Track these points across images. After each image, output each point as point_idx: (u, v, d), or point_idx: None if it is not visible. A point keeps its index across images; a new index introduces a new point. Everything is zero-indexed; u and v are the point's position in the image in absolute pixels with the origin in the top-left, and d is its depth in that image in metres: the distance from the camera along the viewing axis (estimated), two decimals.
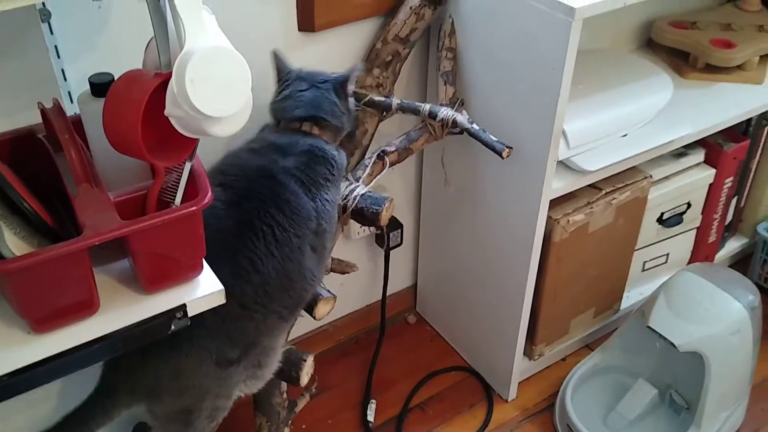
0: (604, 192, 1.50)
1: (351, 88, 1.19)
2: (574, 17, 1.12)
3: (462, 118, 1.32)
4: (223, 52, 0.78)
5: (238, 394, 1.10)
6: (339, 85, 1.17)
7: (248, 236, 1.01)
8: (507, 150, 1.27)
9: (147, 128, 0.78)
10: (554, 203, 1.40)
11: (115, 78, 0.83)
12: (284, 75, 1.18)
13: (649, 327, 1.48)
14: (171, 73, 0.76)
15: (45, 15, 1.00)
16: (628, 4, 1.18)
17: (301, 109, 1.14)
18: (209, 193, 0.86)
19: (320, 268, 1.13)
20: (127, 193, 0.87)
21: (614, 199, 1.51)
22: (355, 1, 1.31)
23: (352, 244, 1.66)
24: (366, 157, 1.35)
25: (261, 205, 1.03)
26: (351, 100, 1.20)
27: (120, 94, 0.80)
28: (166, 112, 0.78)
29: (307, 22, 1.29)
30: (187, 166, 0.88)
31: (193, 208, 0.85)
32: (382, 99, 1.33)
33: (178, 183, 0.88)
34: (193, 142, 0.86)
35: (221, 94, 0.78)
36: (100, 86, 0.87)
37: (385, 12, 1.37)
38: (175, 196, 0.88)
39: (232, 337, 1.02)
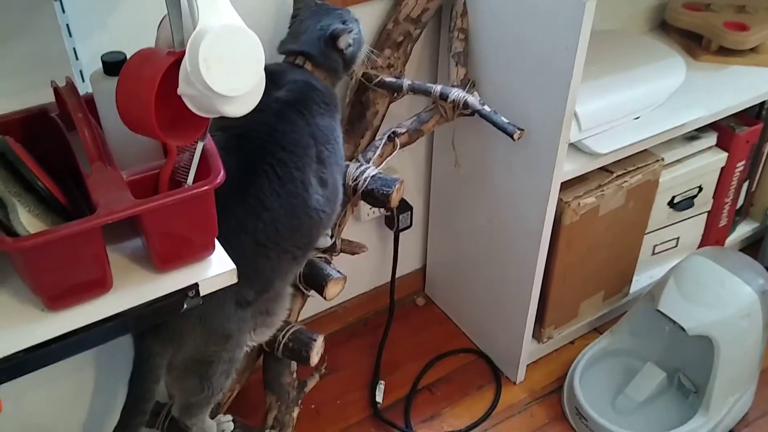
0: (615, 175, 1.50)
1: (345, 39, 1.15)
2: None
3: (473, 99, 1.31)
4: (237, 31, 0.78)
5: (250, 344, 1.13)
6: (330, 35, 1.15)
7: (252, 176, 1.04)
8: (518, 132, 1.26)
9: (160, 107, 0.78)
10: (565, 186, 1.39)
11: (128, 57, 0.83)
12: (295, 10, 1.21)
13: (658, 310, 1.48)
14: (184, 51, 0.76)
15: None
16: None
17: (294, 44, 1.17)
18: (221, 173, 0.86)
19: (330, 206, 1.14)
20: (139, 172, 0.87)
21: (625, 182, 1.50)
22: None
23: (361, 225, 1.66)
24: (376, 138, 1.34)
25: (260, 144, 1.05)
26: (350, 50, 1.17)
27: (133, 72, 0.80)
28: (179, 91, 0.78)
29: None
30: (200, 145, 0.88)
31: (206, 187, 0.85)
32: (393, 80, 1.32)
33: (191, 162, 0.88)
34: (205, 122, 0.85)
35: (234, 72, 0.78)
36: (112, 65, 0.87)
37: None
38: (187, 176, 0.88)
39: (250, 277, 1.03)
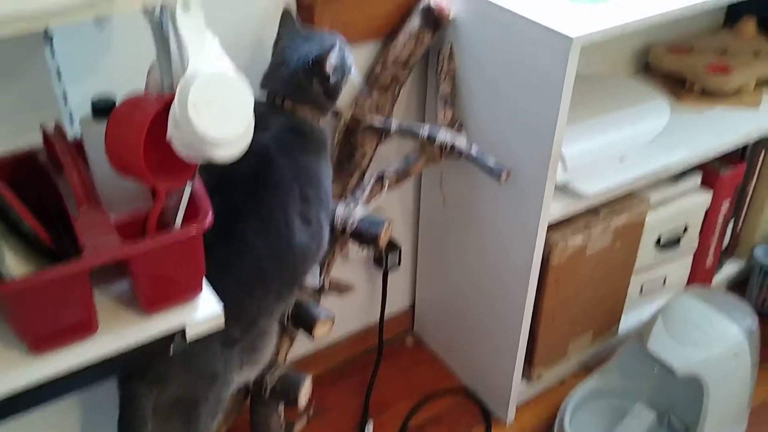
0: (601, 215, 1.51)
1: (329, 61, 1.11)
2: (571, 46, 1.13)
3: (460, 142, 1.32)
4: (226, 77, 0.79)
5: (238, 383, 1.13)
6: (312, 63, 1.11)
7: (235, 218, 1.04)
8: (505, 174, 1.27)
9: (149, 151, 0.79)
10: (552, 226, 1.40)
11: (118, 101, 0.84)
12: (277, 36, 1.17)
13: (647, 350, 1.48)
14: (173, 96, 0.77)
15: (47, 37, 1.01)
16: (626, 32, 1.20)
17: (272, 82, 1.15)
18: (209, 215, 0.87)
19: (315, 243, 1.14)
20: (127, 215, 0.87)
21: (612, 222, 1.51)
22: (354, 25, 1.32)
23: (350, 265, 1.66)
24: (365, 178, 1.35)
25: (242, 186, 1.06)
26: (334, 78, 1.14)
27: (122, 117, 0.80)
28: (168, 136, 0.79)
29: None
30: (188, 188, 0.88)
31: (194, 231, 0.85)
32: (381, 122, 1.34)
33: (179, 203, 0.88)
34: (194, 165, 0.86)
35: (223, 118, 0.78)
36: (102, 109, 0.88)
37: (384, 36, 1.38)
38: (175, 216, 0.88)
39: (235, 315, 1.02)
